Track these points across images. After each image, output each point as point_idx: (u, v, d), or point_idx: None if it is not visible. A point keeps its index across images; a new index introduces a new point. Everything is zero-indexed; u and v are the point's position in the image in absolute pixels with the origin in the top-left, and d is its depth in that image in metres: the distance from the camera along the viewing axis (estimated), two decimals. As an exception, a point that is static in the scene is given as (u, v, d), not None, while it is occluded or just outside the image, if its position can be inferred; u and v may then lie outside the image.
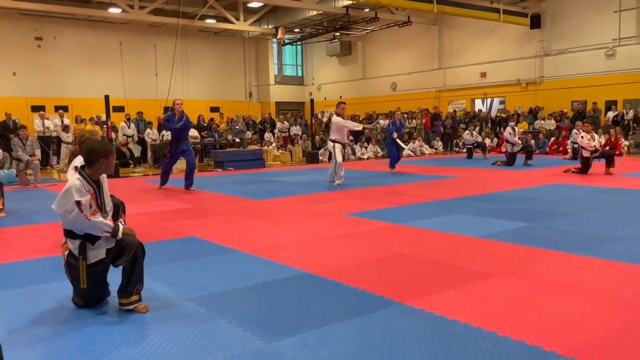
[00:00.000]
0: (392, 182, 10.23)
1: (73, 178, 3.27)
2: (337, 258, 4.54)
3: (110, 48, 23.80)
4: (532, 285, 3.67)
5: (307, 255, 4.67)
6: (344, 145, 10.61)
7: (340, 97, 28.31)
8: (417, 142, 18.92)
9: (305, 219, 6.55)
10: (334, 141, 10.16)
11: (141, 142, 16.74)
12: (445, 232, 5.45)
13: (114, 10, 20.25)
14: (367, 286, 3.67)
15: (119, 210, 4.66)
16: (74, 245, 3.28)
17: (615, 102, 18.40)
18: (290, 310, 3.27)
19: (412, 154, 18.32)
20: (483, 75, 22.52)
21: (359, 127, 11.23)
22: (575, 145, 13.63)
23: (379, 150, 18.28)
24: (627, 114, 17.70)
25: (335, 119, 10.36)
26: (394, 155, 12.88)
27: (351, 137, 10.93)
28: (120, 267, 3.27)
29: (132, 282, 3.22)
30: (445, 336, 2.82)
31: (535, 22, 20.32)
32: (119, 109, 20.23)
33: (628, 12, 18.11)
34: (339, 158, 9.99)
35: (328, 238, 5.37)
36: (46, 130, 15.64)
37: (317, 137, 18.05)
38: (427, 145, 19.63)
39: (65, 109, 18.50)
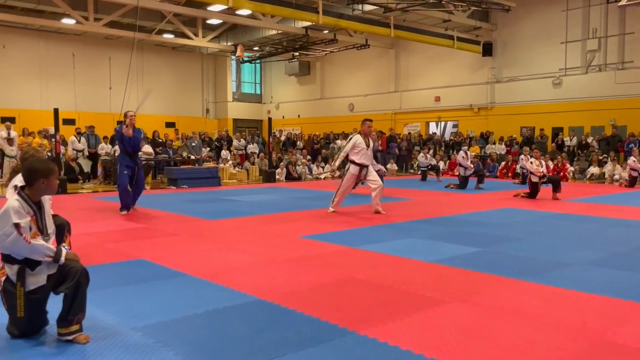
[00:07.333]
0: (347, 204, 10.23)
1: (12, 199, 3.09)
2: (290, 282, 4.47)
3: (63, 59, 23.13)
4: (483, 312, 3.70)
5: (260, 279, 4.58)
6: (361, 169, 8.91)
7: (299, 115, 28.51)
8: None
9: (259, 241, 6.44)
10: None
11: (91, 157, 16.24)
12: (398, 256, 5.47)
13: (68, 21, 19.70)
14: (320, 313, 3.61)
15: (64, 230, 4.42)
16: (11, 270, 3.09)
17: (561, 129, 19.20)
18: (242, 340, 3.17)
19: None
20: (437, 99, 23.09)
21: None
22: (524, 171, 14.08)
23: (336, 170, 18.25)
24: (570, 140, 18.47)
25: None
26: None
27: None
28: (61, 294, 3.10)
29: (73, 311, 3.05)
30: (398, 367, 2.79)
31: (487, 50, 21.10)
32: (70, 122, 19.63)
33: (573, 43, 19.04)
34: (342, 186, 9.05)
35: (281, 261, 5.28)
36: (-10, 141, 14.97)
37: (274, 155, 17.97)
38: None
39: (12, 120, 17.79)
